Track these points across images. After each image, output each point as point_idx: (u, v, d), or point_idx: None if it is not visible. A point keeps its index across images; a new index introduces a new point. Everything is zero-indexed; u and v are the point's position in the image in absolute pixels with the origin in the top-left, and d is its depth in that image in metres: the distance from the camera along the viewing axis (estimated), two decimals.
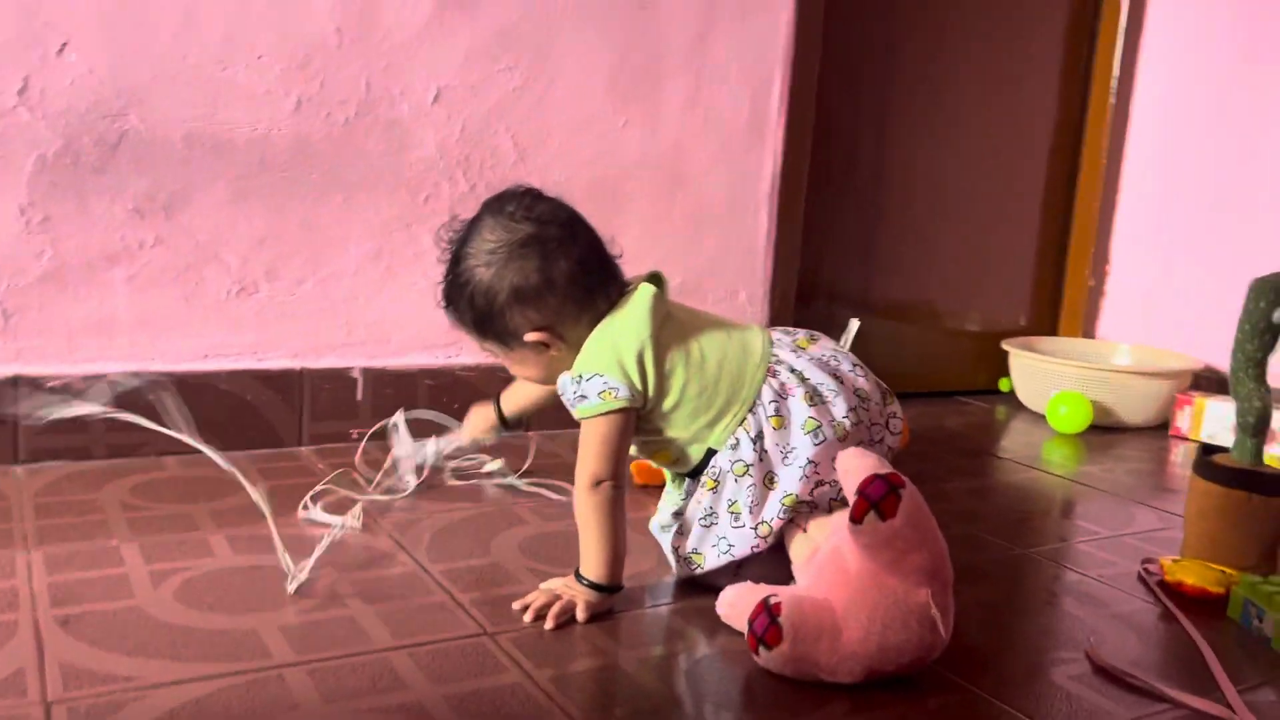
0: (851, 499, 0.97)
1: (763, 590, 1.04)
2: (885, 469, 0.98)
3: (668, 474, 1.23)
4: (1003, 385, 2.49)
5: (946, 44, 2.32)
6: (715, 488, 1.14)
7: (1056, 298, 2.61)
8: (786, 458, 1.11)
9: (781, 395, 1.13)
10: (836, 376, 1.15)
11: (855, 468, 1.01)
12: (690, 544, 1.16)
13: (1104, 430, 2.18)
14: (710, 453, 1.14)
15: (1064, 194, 2.57)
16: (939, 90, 2.32)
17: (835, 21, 2.08)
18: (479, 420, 1.48)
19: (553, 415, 1.80)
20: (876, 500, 0.94)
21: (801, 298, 2.13)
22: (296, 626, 1.01)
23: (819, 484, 1.10)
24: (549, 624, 1.05)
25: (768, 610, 0.97)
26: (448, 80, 1.67)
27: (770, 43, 1.95)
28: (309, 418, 1.64)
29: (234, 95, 1.52)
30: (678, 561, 1.17)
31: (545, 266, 1.12)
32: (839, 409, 1.12)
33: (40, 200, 1.43)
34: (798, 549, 1.10)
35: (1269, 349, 1.30)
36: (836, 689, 0.96)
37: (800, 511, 1.11)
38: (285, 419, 1.62)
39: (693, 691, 0.95)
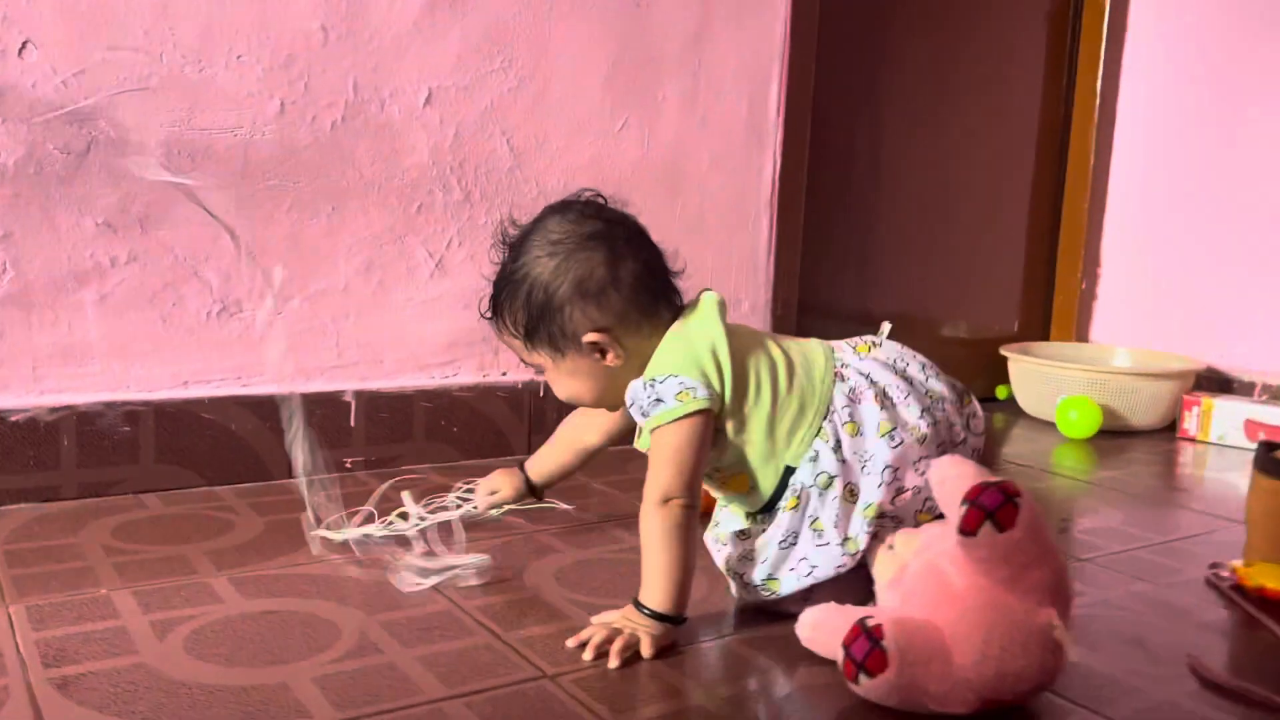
0: (957, 509, 0.88)
1: (852, 612, 0.95)
2: (989, 476, 0.89)
3: (737, 508, 1.13)
4: (1000, 392, 2.43)
5: (933, 48, 2.27)
6: (797, 505, 1.04)
7: (1048, 302, 2.57)
8: (865, 466, 1.03)
9: (854, 400, 1.05)
10: (905, 378, 1.08)
11: (955, 475, 0.92)
12: (763, 571, 1.05)
13: (1111, 434, 2.12)
14: (787, 473, 1.05)
15: (1052, 196, 2.53)
16: (927, 94, 2.27)
17: (827, 25, 2.01)
18: (504, 487, 1.31)
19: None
20: (993, 510, 0.85)
21: (801, 308, 2.04)
22: (332, 677, 0.89)
23: (899, 491, 1.02)
24: (613, 662, 0.94)
25: (867, 633, 0.87)
26: (439, 81, 1.56)
27: (767, 43, 1.87)
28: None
29: (212, 98, 1.39)
30: (740, 586, 1.07)
31: (613, 261, 1.04)
32: (912, 411, 1.05)
33: (0, 215, 1.29)
34: (882, 567, 1.01)
35: None
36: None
37: (883, 525, 1.02)
38: (273, 449, 1.49)
39: None
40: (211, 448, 1.44)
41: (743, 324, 1.13)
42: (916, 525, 1.02)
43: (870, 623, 0.88)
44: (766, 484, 1.06)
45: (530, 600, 1.09)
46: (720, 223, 1.87)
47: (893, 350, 1.12)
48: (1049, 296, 2.57)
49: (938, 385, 1.09)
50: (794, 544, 1.04)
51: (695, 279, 1.82)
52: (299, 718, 0.82)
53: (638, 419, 1.04)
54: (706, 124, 1.83)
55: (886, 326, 1.54)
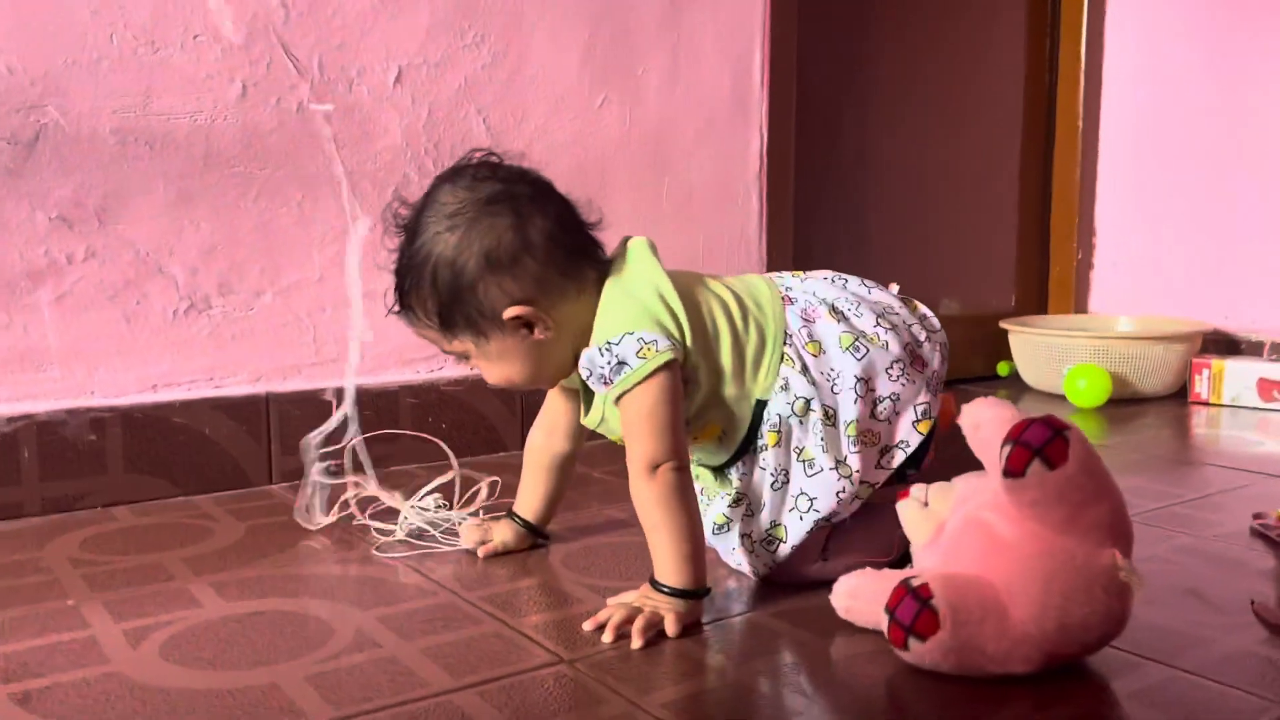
0: (999, 452, 0.80)
1: (891, 575, 0.87)
2: (1028, 415, 0.82)
3: (705, 474, 1.05)
4: (1001, 369, 2.36)
5: (915, 18, 2.21)
6: (779, 440, 0.97)
7: (1044, 275, 2.51)
8: (835, 385, 0.99)
9: (808, 319, 1.01)
10: (850, 293, 1.05)
11: (990, 418, 0.85)
12: (765, 520, 0.98)
13: (1121, 403, 2.06)
14: (759, 410, 0.98)
15: (1042, 165, 2.47)
16: (911, 66, 2.21)
17: None
18: (505, 537, 1.12)
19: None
20: (1040, 446, 0.78)
21: None
22: (328, 674, 0.80)
23: (876, 402, 0.99)
24: (636, 642, 0.86)
25: (913, 594, 0.79)
26: (410, 58, 1.48)
27: (747, 13, 1.81)
28: (279, 450, 1.42)
29: (169, 81, 1.31)
30: (752, 556, 0.99)
31: (520, 224, 0.93)
32: (867, 321, 1.01)
33: None
34: (917, 528, 0.93)
35: None
36: (1009, 682, 0.78)
37: (870, 442, 0.99)
38: (252, 453, 1.40)
39: (833, 704, 0.77)
40: (185, 455, 1.35)
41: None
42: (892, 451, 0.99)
43: (915, 582, 0.80)
44: (741, 425, 0.98)
45: (538, 587, 1.01)
46: (709, 201, 1.80)
47: (827, 273, 1.08)
48: (1045, 269, 2.50)
49: (882, 295, 1.06)
50: (786, 481, 0.98)
51: (686, 260, 1.76)
52: (292, 716, 0.73)
53: (598, 390, 0.95)
54: (689, 98, 1.76)
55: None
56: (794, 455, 0.98)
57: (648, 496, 0.91)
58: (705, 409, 0.98)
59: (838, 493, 0.97)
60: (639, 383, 0.91)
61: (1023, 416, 0.82)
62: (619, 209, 1.69)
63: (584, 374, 0.95)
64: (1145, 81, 2.36)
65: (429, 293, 0.95)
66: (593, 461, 1.51)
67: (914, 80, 2.22)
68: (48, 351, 1.27)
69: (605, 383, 0.93)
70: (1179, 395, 2.13)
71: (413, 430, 1.51)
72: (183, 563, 1.08)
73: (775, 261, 1.89)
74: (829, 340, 0.99)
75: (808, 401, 0.97)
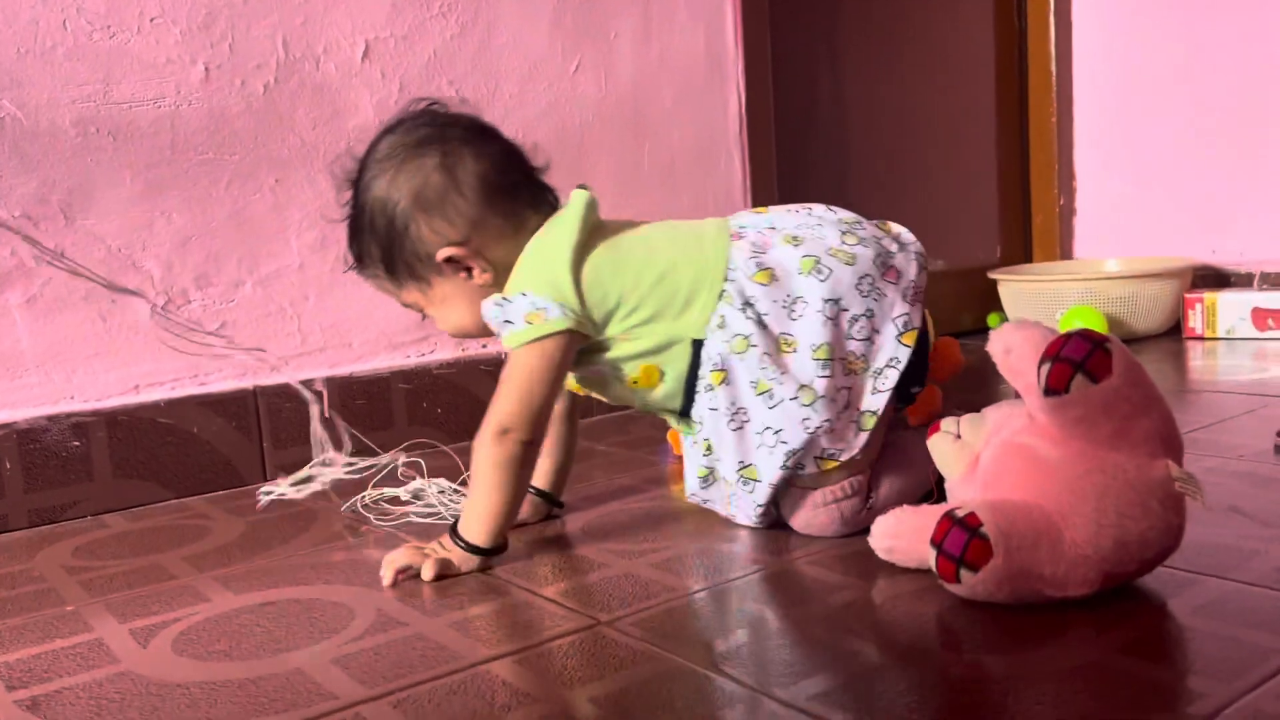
0: (1037, 372, 0.77)
1: (931, 511, 0.83)
2: (1058, 334, 0.79)
3: (682, 432, 1.01)
4: (992, 321, 2.34)
5: None
6: (725, 378, 0.93)
7: (1028, 223, 2.49)
8: (793, 310, 0.93)
9: (760, 250, 0.95)
10: (814, 216, 1.00)
11: (1020, 340, 0.81)
12: (731, 461, 0.94)
13: None
14: (697, 349, 0.94)
15: (1017, 114, 2.45)
16: (882, 19, 2.18)
17: None
18: (524, 509, 1.06)
19: None
20: (1081, 360, 0.74)
21: None
22: (354, 655, 0.76)
23: (851, 321, 0.93)
24: (427, 575, 0.90)
25: (960, 524, 0.76)
26: (376, 32, 1.43)
27: None
28: (271, 445, 1.36)
29: (128, 67, 1.26)
30: (741, 505, 0.97)
31: (449, 165, 0.93)
32: (832, 237, 0.96)
33: None
34: (951, 461, 0.89)
35: None
36: (1066, 608, 0.75)
37: (853, 367, 0.93)
38: (243, 450, 1.35)
39: (887, 644, 0.73)
40: (174, 456, 1.30)
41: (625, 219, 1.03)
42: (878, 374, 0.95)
43: (960, 513, 0.77)
44: (679, 365, 0.95)
45: (561, 555, 0.97)
46: (691, 165, 1.76)
47: (794, 205, 1.03)
48: (1028, 218, 2.49)
49: (848, 215, 1.01)
50: (747, 419, 0.94)
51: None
52: (321, 701, 0.69)
53: (500, 339, 0.95)
54: (664, 60, 1.72)
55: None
56: (750, 390, 0.93)
57: (486, 457, 0.91)
58: (634, 355, 0.96)
59: (804, 422, 0.91)
60: (523, 345, 0.91)
61: (1055, 335, 0.79)
62: (600, 176, 1.65)
63: (488, 322, 0.95)
64: (1114, 22, 2.35)
65: (370, 240, 0.96)
66: (597, 435, 1.47)
67: (886, 33, 2.19)
68: (22, 357, 1.21)
69: (500, 337, 0.94)
70: (1173, 332, 2.11)
71: (406, 417, 1.46)
72: (184, 561, 1.03)
73: None
74: (787, 266, 0.94)
75: (746, 337, 0.93)
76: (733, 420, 0.94)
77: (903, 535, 0.85)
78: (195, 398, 1.32)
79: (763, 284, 0.93)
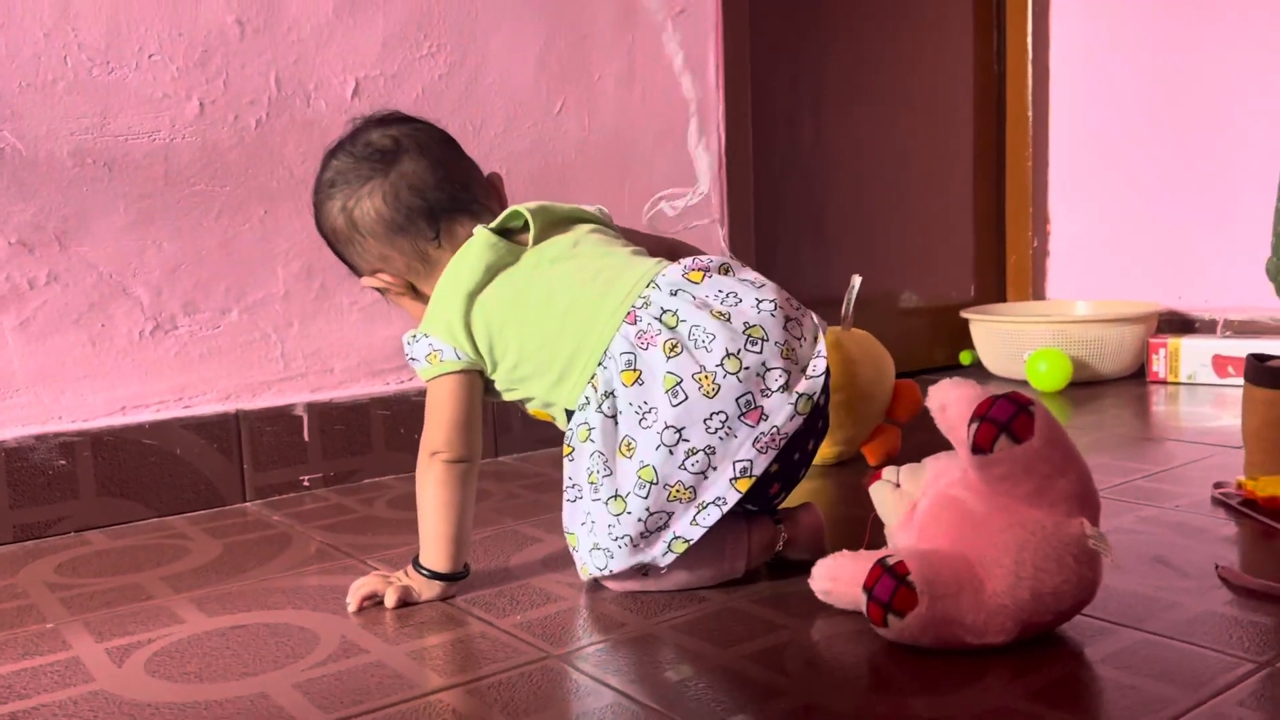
0: (966, 430, 0.82)
1: (867, 556, 0.88)
2: (991, 392, 0.84)
3: None
4: (964, 358, 2.40)
5: (865, 14, 2.24)
6: (571, 454, 0.95)
7: (1002, 263, 2.55)
8: (644, 419, 0.90)
9: (640, 344, 0.92)
10: (723, 315, 0.93)
11: (955, 398, 0.86)
12: (565, 519, 0.97)
13: (1081, 385, 2.10)
14: (571, 414, 0.97)
15: (995, 156, 2.51)
16: (863, 62, 2.24)
17: None
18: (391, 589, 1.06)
19: (522, 436, 1.62)
20: (1006, 422, 0.80)
21: None
22: (316, 680, 0.80)
23: (689, 453, 0.89)
24: (389, 602, 0.95)
25: (889, 571, 0.81)
26: (366, 70, 1.48)
27: (700, 12, 1.83)
28: (251, 467, 1.41)
29: (126, 101, 1.31)
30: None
31: (349, 207, 1.02)
32: (713, 356, 0.90)
33: None
34: (890, 508, 0.95)
35: None
36: (987, 653, 0.80)
37: (679, 496, 0.90)
38: (224, 472, 1.39)
39: (817, 684, 0.78)
40: (157, 476, 1.34)
41: (574, 236, 1.02)
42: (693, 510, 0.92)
43: (892, 560, 0.82)
44: (562, 421, 0.99)
45: (522, 588, 1.01)
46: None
47: (727, 283, 0.96)
48: (1002, 258, 2.55)
49: (768, 321, 0.93)
50: (579, 497, 0.95)
51: None
52: None
53: None
54: (647, 102, 1.77)
55: (856, 280, 1.50)
56: (585, 475, 0.94)
57: (422, 479, 0.98)
58: (525, 399, 1.01)
59: (609, 526, 0.91)
60: (429, 379, 0.98)
61: (988, 394, 0.84)
62: None
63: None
64: (1091, 71, 2.42)
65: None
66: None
67: (867, 78, 2.25)
68: (13, 377, 1.26)
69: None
70: (1138, 375, 2.17)
71: (385, 443, 1.51)
72: (161, 581, 1.08)
73: (738, 259, 1.90)
74: (655, 372, 0.90)
75: (590, 430, 0.92)
76: (569, 491, 0.96)
77: (840, 579, 0.90)
78: (179, 420, 1.36)
79: (626, 385, 0.91)
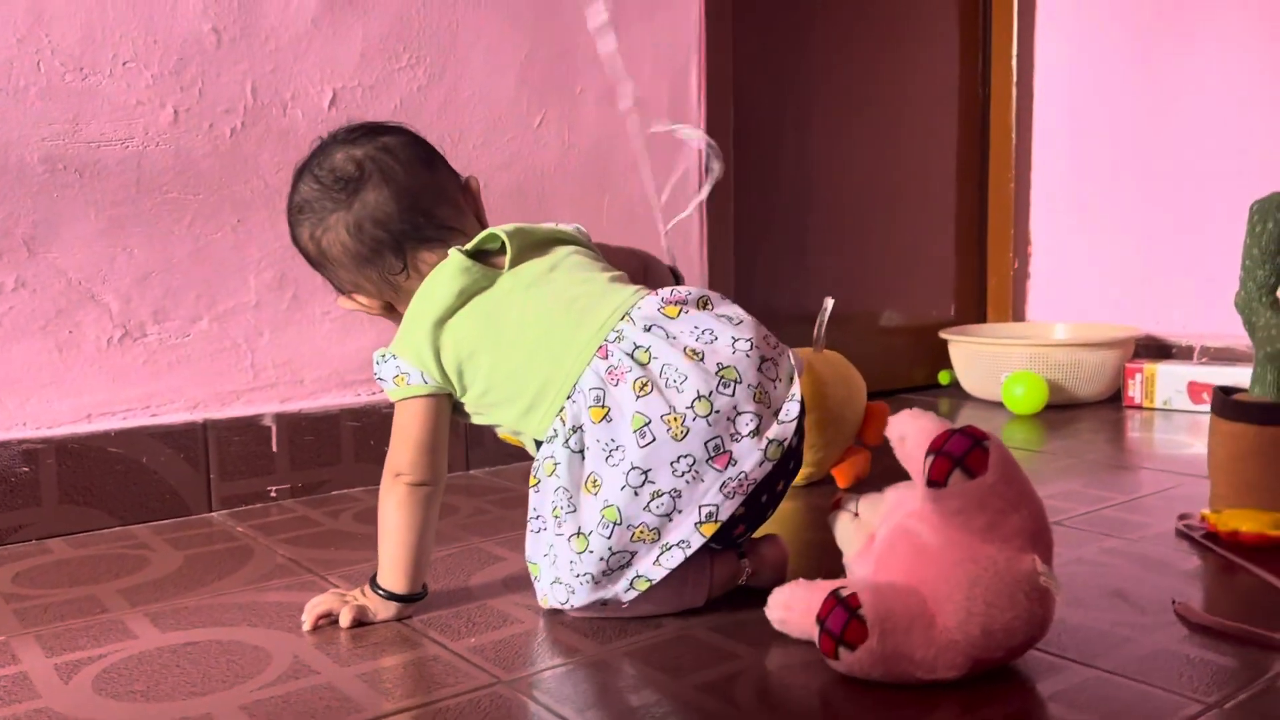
0: (923, 462, 0.82)
1: (823, 586, 0.88)
2: (950, 425, 0.84)
3: None
4: (942, 378, 2.40)
5: (848, 33, 2.25)
6: (536, 485, 0.94)
7: (982, 284, 2.56)
8: (611, 456, 0.89)
9: (610, 381, 0.91)
10: (696, 354, 0.91)
11: (915, 430, 0.87)
12: (527, 549, 0.96)
13: (1058, 408, 2.10)
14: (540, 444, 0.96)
15: (977, 177, 2.52)
16: (846, 81, 2.25)
17: (742, 10, 1.98)
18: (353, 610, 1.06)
19: (495, 450, 1.62)
20: (960, 456, 0.80)
21: (738, 301, 1.99)
22: (263, 702, 0.80)
23: (656, 495, 0.88)
24: (344, 621, 0.95)
25: (842, 604, 0.81)
26: (344, 81, 1.48)
27: (683, 28, 1.83)
28: (218, 477, 1.41)
29: (99, 107, 1.30)
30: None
31: (317, 235, 1.01)
32: (684, 397, 0.89)
33: None
34: (848, 538, 0.95)
35: None
36: (937, 688, 0.80)
37: (642, 538, 0.89)
38: (190, 481, 1.39)
39: (768, 715, 0.78)
40: (121, 484, 1.34)
41: (555, 258, 1.01)
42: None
43: (844, 592, 0.82)
44: (532, 450, 0.98)
45: (479, 609, 1.01)
46: (650, 218, 1.81)
47: (704, 319, 0.94)
48: (983, 279, 2.55)
49: (743, 362, 0.91)
50: (543, 529, 0.94)
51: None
52: None
53: None
54: (628, 116, 1.77)
55: (829, 302, 1.50)
56: (549, 508, 0.93)
57: (384, 500, 0.97)
58: (494, 424, 1.00)
59: (570, 563, 0.91)
60: (396, 401, 0.98)
61: (945, 427, 0.84)
62: None
63: None
64: (1074, 98, 2.43)
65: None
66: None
67: (851, 96, 2.25)
68: None
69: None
70: (1114, 400, 2.18)
71: (354, 454, 1.51)
72: (118, 594, 1.07)
73: (717, 277, 1.91)
74: (624, 410, 0.89)
75: (556, 465, 0.91)
76: (532, 523, 0.95)
77: (794, 608, 0.89)
78: (146, 429, 1.36)
79: (594, 421, 0.90)
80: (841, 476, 1.47)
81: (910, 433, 0.87)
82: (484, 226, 1.04)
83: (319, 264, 1.04)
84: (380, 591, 0.97)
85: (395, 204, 0.99)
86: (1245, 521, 1.14)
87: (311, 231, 1.01)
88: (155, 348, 1.37)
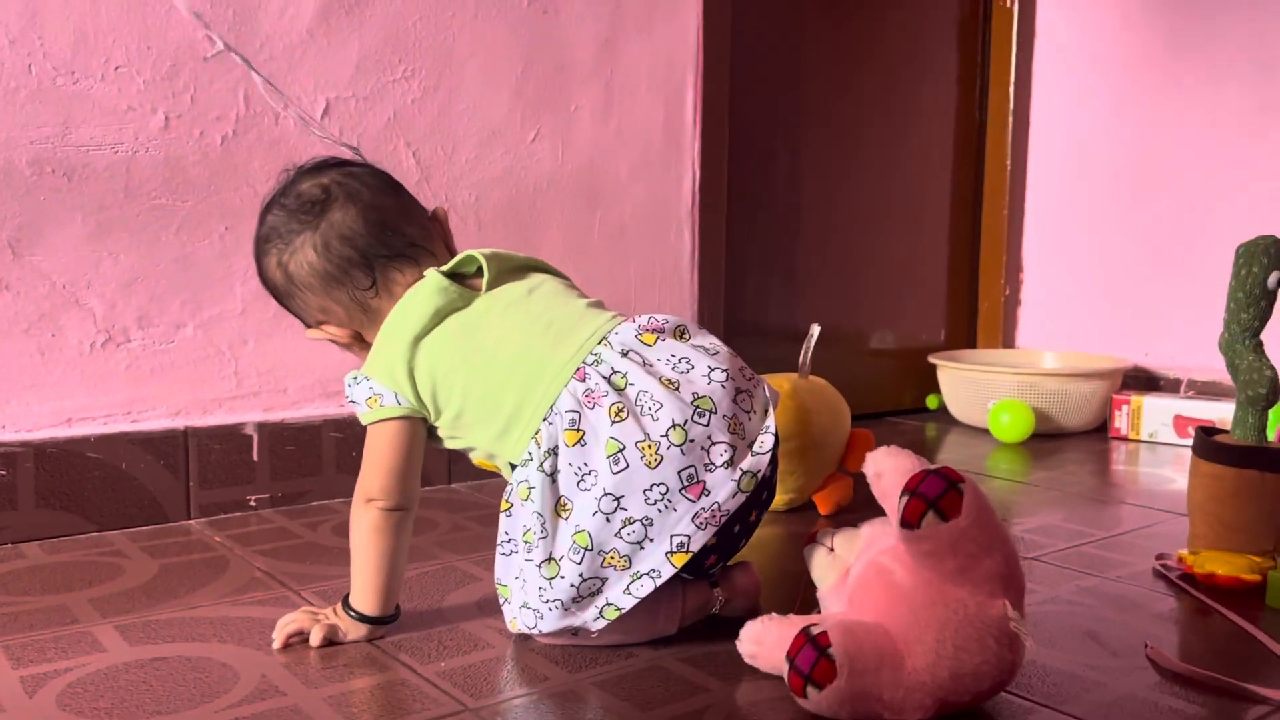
0: (897, 501, 0.82)
1: (795, 622, 0.88)
2: (927, 465, 0.84)
3: None
4: (930, 402, 2.40)
5: (847, 58, 2.25)
6: (509, 509, 0.93)
7: (973, 310, 2.56)
8: (583, 481, 0.89)
9: (586, 404, 0.90)
10: (672, 383, 0.91)
11: (891, 467, 0.86)
12: (497, 571, 0.95)
13: (1044, 437, 2.10)
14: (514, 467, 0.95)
15: (972, 204, 2.53)
16: (843, 104, 2.25)
17: (740, 32, 1.98)
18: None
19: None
20: (935, 499, 0.79)
21: (727, 323, 1.99)
22: None
23: (628, 522, 0.87)
24: (314, 640, 0.95)
25: (812, 642, 0.81)
26: (338, 91, 1.48)
27: (680, 50, 1.83)
28: (197, 485, 1.40)
29: (89, 112, 1.30)
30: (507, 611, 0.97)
31: (284, 261, 1.01)
32: (659, 425, 0.89)
33: None
34: (823, 572, 0.95)
35: (1266, 317, 1.22)
36: None
37: (613, 564, 0.88)
38: (169, 488, 1.38)
39: None
40: (99, 490, 1.33)
41: (532, 281, 1.01)
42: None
43: (815, 630, 0.82)
44: (507, 474, 0.97)
45: (451, 632, 1.00)
46: (641, 235, 1.81)
47: (680, 349, 0.95)
48: (974, 305, 2.56)
49: (718, 393, 0.92)
50: (514, 552, 0.93)
51: (617, 293, 1.78)
52: None
53: None
54: (623, 134, 1.77)
55: (815, 329, 1.50)
56: (520, 532, 0.92)
57: (356, 523, 0.97)
58: (469, 448, 0.99)
59: (539, 589, 0.90)
60: (369, 424, 0.97)
61: (922, 467, 0.84)
62: (551, 240, 1.70)
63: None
64: (1069, 127, 2.43)
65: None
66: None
67: (847, 120, 2.26)
68: None
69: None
70: (1100, 430, 2.18)
71: (335, 465, 1.50)
72: (90, 604, 1.06)
73: (707, 296, 1.91)
74: (598, 435, 0.89)
75: (530, 489, 0.90)
76: (503, 546, 0.94)
77: (765, 643, 0.89)
78: (126, 435, 1.35)
79: (568, 444, 0.90)
80: (823, 503, 1.47)
81: (886, 470, 0.86)
82: (453, 254, 1.04)
83: (286, 294, 1.02)
84: (352, 613, 0.96)
85: (363, 220, 0.99)
86: (1221, 565, 1.14)
87: (279, 258, 1.00)
88: (138, 353, 1.36)
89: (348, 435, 1.51)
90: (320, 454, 1.49)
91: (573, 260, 1.72)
